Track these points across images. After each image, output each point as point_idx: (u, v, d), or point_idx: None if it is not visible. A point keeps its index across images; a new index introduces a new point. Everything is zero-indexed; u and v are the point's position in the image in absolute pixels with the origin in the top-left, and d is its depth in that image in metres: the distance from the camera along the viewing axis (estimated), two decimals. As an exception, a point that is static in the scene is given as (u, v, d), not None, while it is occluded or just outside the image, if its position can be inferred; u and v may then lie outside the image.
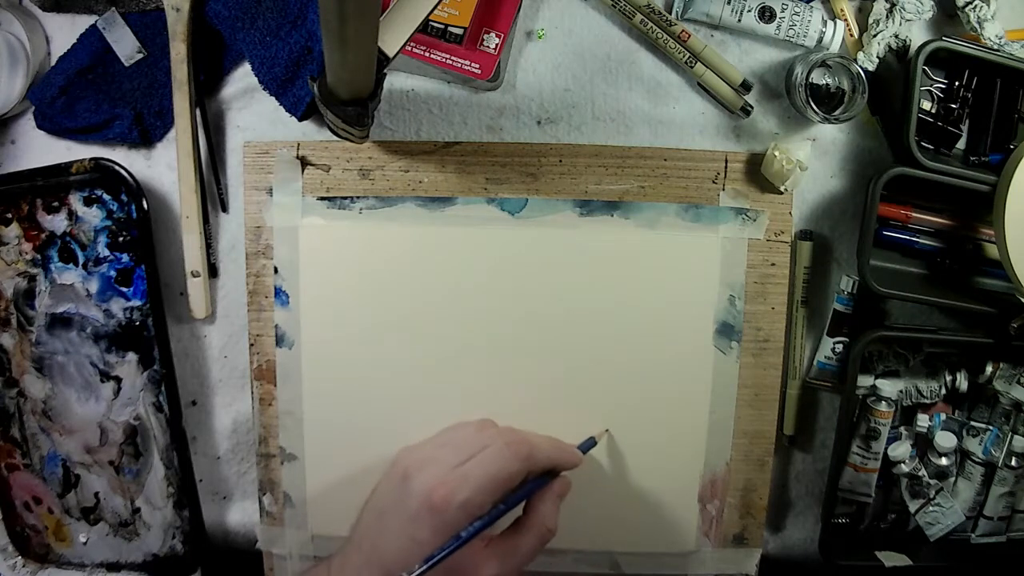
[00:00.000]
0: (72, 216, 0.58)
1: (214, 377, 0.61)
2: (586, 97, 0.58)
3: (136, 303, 0.58)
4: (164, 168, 0.59)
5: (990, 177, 0.54)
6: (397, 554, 0.45)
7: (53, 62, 0.58)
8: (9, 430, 0.61)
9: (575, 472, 0.58)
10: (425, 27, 0.52)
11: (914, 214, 0.57)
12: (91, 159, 0.57)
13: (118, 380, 0.59)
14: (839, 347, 0.58)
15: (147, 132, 0.58)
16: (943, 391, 0.58)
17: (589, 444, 0.56)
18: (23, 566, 0.62)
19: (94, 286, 0.58)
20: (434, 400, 0.58)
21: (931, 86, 0.56)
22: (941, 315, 0.60)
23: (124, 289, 0.58)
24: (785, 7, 0.55)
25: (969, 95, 0.56)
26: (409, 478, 0.48)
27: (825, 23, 0.55)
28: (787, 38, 0.56)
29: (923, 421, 0.58)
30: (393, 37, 0.47)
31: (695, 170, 0.57)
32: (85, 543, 0.61)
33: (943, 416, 0.59)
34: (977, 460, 0.58)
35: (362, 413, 0.58)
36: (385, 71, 0.49)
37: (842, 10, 0.56)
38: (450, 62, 0.54)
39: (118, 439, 0.60)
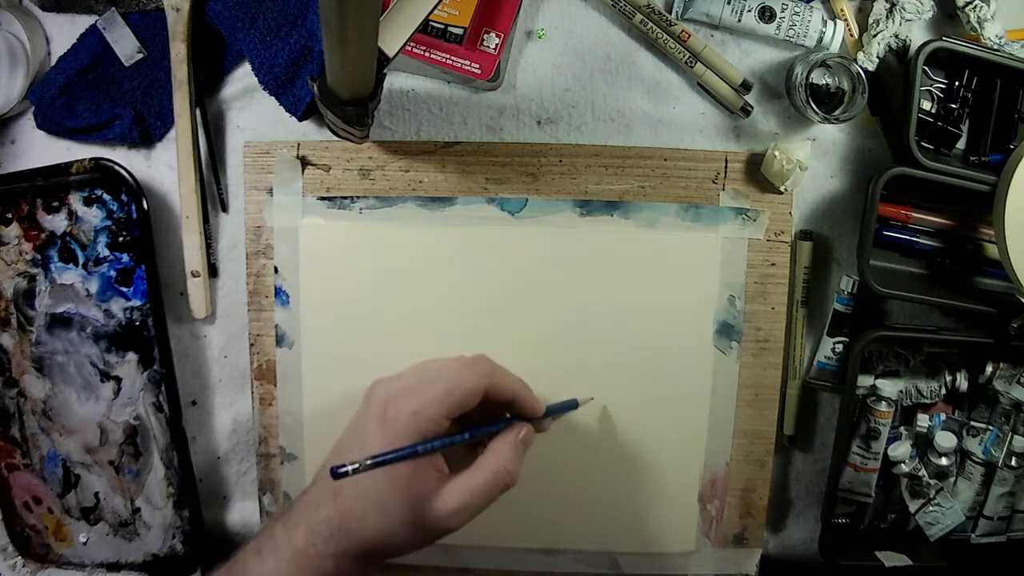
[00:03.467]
0: (72, 216, 0.58)
1: (214, 377, 0.61)
2: (586, 97, 0.58)
3: (136, 303, 0.58)
4: (164, 168, 0.59)
5: (990, 177, 0.54)
6: None
7: (53, 62, 0.58)
8: (9, 430, 0.61)
9: (576, 470, 0.58)
10: (425, 27, 0.52)
11: (914, 214, 0.57)
12: (91, 159, 0.57)
13: (118, 380, 0.59)
14: (839, 347, 0.58)
15: (147, 132, 0.58)
16: (943, 391, 0.58)
17: (566, 405, 0.54)
18: (23, 566, 0.62)
19: (94, 286, 0.58)
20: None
21: (931, 86, 0.56)
22: (941, 315, 0.60)
23: (124, 289, 0.58)
24: (785, 7, 0.55)
25: (969, 95, 0.56)
26: (373, 393, 0.49)
27: (825, 23, 0.55)
28: (787, 38, 0.56)
29: (923, 421, 0.58)
30: (393, 37, 0.47)
31: (695, 170, 0.57)
32: (85, 543, 0.61)
33: (943, 416, 0.59)
34: (977, 460, 0.58)
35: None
36: (385, 71, 0.49)
37: (842, 10, 0.56)
38: (450, 62, 0.54)
39: (118, 439, 0.59)
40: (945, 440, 0.58)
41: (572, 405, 0.55)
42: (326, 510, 0.46)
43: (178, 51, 0.55)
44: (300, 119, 0.57)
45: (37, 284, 0.59)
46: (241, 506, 0.62)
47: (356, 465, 0.42)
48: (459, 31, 0.53)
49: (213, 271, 0.59)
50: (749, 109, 0.56)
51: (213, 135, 0.58)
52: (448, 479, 0.47)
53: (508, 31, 0.54)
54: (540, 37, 0.57)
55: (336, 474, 0.42)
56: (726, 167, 0.57)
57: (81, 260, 0.58)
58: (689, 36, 0.56)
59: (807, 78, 0.53)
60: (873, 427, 0.57)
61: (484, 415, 0.49)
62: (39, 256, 0.59)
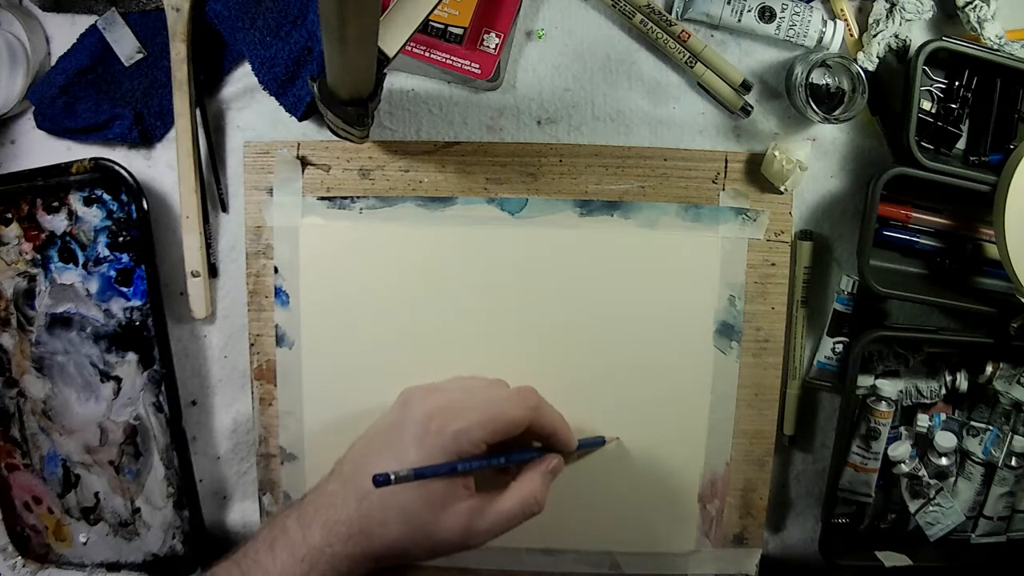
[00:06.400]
0: (72, 216, 0.58)
1: (214, 377, 0.61)
2: (586, 97, 0.58)
3: (136, 303, 0.58)
4: (164, 168, 0.59)
5: (990, 177, 0.54)
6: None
7: (53, 62, 0.58)
8: (9, 430, 0.61)
9: (577, 470, 0.58)
10: (425, 27, 0.52)
11: (914, 214, 0.57)
12: (91, 159, 0.57)
13: (118, 380, 0.59)
14: (839, 347, 0.58)
15: (147, 132, 0.58)
16: (943, 391, 0.58)
17: (594, 442, 0.56)
18: (23, 566, 0.62)
19: (94, 286, 0.58)
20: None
21: (931, 86, 0.56)
22: (941, 315, 0.60)
23: (124, 289, 0.58)
24: (785, 7, 0.55)
25: (969, 95, 0.56)
26: (410, 404, 0.49)
27: (825, 23, 0.55)
28: (787, 38, 0.56)
29: (923, 421, 0.58)
30: (393, 37, 0.47)
31: (695, 170, 0.57)
32: (85, 543, 0.61)
33: (943, 416, 0.59)
34: (977, 460, 0.58)
35: (362, 413, 0.58)
36: (385, 71, 0.49)
37: (842, 10, 0.56)
38: (450, 62, 0.54)
39: (118, 439, 0.59)
40: (945, 440, 0.58)
41: (599, 442, 0.57)
42: (347, 512, 0.46)
43: (178, 51, 0.55)
44: (300, 119, 0.57)
45: (37, 284, 0.59)
46: (241, 506, 0.62)
47: (399, 475, 0.43)
48: (459, 31, 0.53)
49: (213, 271, 0.59)
50: (749, 109, 0.56)
51: (213, 135, 0.58)
52: (476, 498, 0.47)
53: (508, 31, 0.54)
54: (540, 37, 0.57)
55: (379, 482, 0.42)
56: (726, 167, 0.57)
57: (81, 260, 0.58)
58: (689, 36, 0.56)
59: (807, 78, 0.53)
60: (873, 427, 0.57)
61: (515, 439, 0.49)
62: (39, 256, 0.59)
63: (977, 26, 0.54)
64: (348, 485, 0.47)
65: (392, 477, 0.42)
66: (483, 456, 0.47)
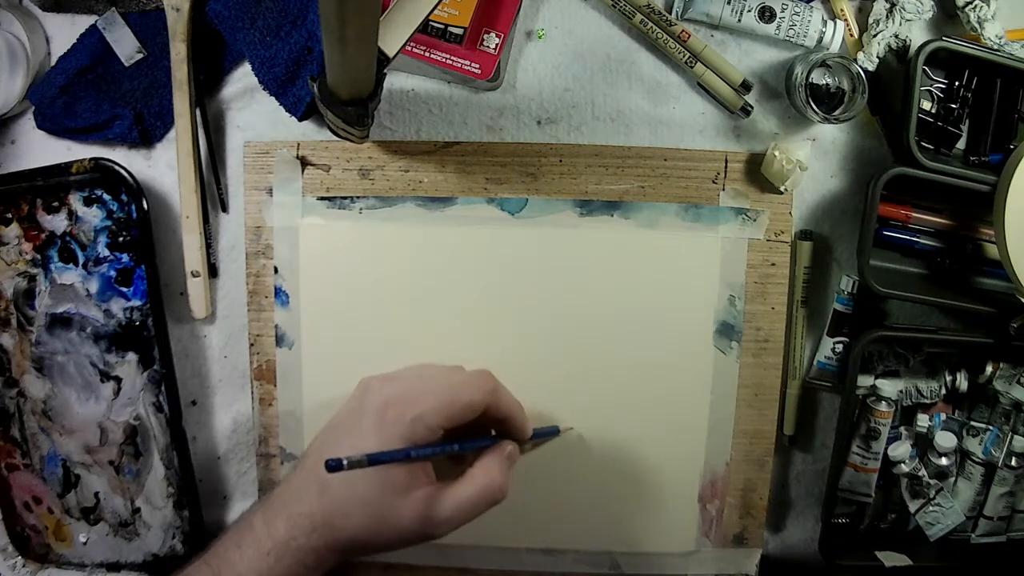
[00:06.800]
0: (72, 216, 0.58)
1: (214, 377, 0.61)
2: (586, 97, 0.58)
3: (136, 303, 0.58)
4: (164, 168, 0.59)
5: (990, 177, 0.54)
6: None
7: (53, 62, 0.58)
8: (9, 430, 0.61)
9: (577, 470, 0.58)
10: (425, 27, 0.52)
11: (914, 214, 0.57)
12: (91, 159, 0.57)
13: (118, 380, 0.59)
14: (839, 347, 0.58)
15: (147, 132, 0.58)
16: (943, 391, 0.58)
17: (548, 431, 0.56)
18: (23, 566, 0.62)
19: (94, 286, 0.58)
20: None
21: (931, 86, 0.56)
22: (941, 315, 0.60)
23: (124, 289, 0.58)
24: (785, 7, 0.55)
25: (969, 95, 0.56)
26: (368, 393, 0.48)
27: (825, 23, 0.55)
28: (787, 38, 0.56)
29: (923, 421, 0.58)
30: (393, 37, 0.47)
31: (695, 170, 0.57)
32: (85, 543, 0.61)
33: (943, 416, 0.59)
34: (977, 460, 0.58)
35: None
36: (385, 71, 0.49)
37: (842, 10, 0.56)
38: (450, 62, 0.54)
39: (118, 439, 0.59)
40: (945, 440, 0.58)
41: (554, 432, 0.56)
42: (310, 504, 0.46)
43: (178, 51, 0.55)
44: (300, 119, 0.57)
45: (37, 284, 0.59)
46: (241, 506, 0.62)
47: (352, 460, 0.42)
48: (459, 31, 0.53)
49: (213, 271, 0.59)
50: (749, 109, 0.56)
51: (213, 135, 0.58)
52: (437, 487, 0.47)
53: (508, 31, 0.54)
54: (540, 37, 0.57)
55: (331, 467, 0.42)
56: (726, 167, 0.57)
57: (81, 260, 0.58)
58: (689, 36, 0.56)
59: (807, 78, 0.53)
60: (873, 427, 0.57)
61: (469, 428, 0.49)
62: (39, 256, 0.59)
63: (977, 26, 0.54)
64: (310, 477, 0.47)
65: (344, 462, 0.42)
66: (437, 443, 0.47)
